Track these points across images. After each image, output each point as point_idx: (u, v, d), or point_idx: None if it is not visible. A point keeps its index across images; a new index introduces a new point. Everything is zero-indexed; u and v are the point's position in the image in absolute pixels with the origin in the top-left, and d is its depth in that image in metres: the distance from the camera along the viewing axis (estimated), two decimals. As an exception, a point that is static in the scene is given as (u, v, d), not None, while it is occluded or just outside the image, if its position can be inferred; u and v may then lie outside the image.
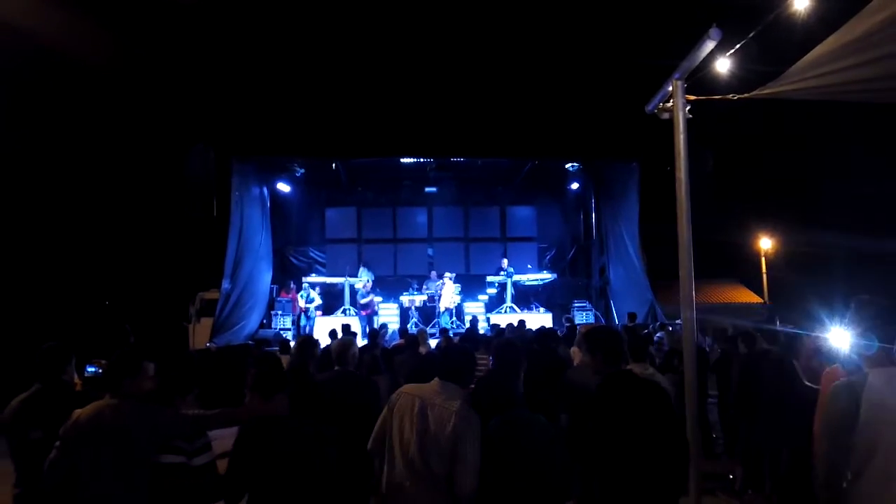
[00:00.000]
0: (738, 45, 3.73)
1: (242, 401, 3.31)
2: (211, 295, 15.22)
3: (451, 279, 15.10)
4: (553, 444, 2.94)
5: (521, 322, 10.58)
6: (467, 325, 12.55)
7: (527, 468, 2.86)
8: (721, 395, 7.41)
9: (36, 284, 19.36)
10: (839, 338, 4.97)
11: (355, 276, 15.89)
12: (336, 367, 4.38)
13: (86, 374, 8.97)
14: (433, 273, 15.95)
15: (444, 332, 10.32)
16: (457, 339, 9.33)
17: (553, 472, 2.90)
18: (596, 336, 3.26)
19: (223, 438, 3.57)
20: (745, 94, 3.54)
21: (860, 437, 2.20)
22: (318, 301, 15.49)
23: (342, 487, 3.40)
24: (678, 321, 7.65)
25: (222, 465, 3.23)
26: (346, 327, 9.77)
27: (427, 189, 18.30)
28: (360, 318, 14.90)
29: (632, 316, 13.00)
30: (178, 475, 3.04)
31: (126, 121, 17.43)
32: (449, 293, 14.92)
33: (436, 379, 3.14)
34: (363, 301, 15.28)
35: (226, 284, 13.73)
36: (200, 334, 14.84)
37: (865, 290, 2.51)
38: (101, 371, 4.07)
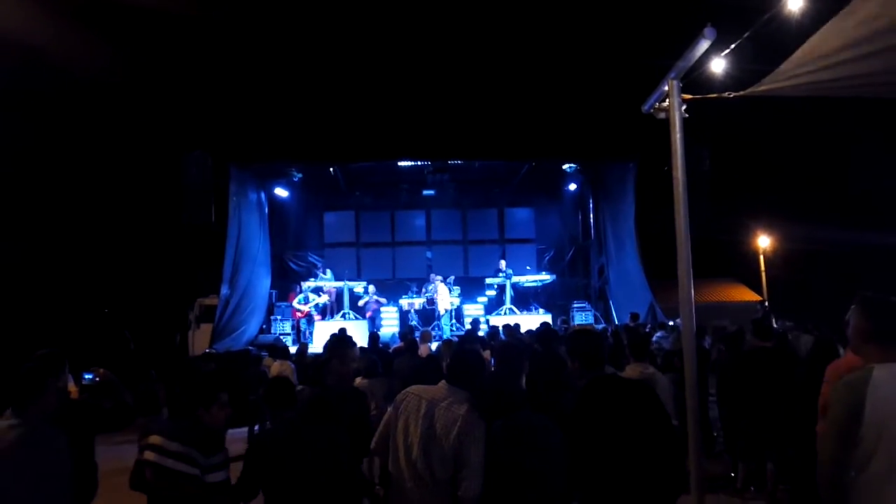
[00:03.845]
0: (733, 45, 3.74)
1: (248, 405, 3.30)
2: (210, 301, 15.22)
3: (441, 281, 15.09)
4: (556, 445, 2.90)
5: (516, 325, 10.27)
6: (468, 327, 12.50)
7: (530, 470, 2.83)
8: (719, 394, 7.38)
9: (35, 291, 19.34)
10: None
11: (354, 280, 15.88)
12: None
13: (83, 382, 8.98)
14: (432, 276, 15.96)
15: (446, 343, 10.19)
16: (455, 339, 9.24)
17: (557, 473, 2.86)
18: (575, 340, 3.17)
19: (232, 444, 3.54)
20: (741, 92, 3.53)
21: (866, 433, 2.20)
22: (321, 299, 15.45)
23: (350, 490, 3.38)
24: (678, 319, 7.62)
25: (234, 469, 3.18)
26: (342, 331, 9.74)
27: (425, 192, 18.30)
28: (367, 321, 14.90)
29: (634, 316, 12.96)
30: (187, 486, 2.88)
31: (124, 128, 17.45)
32: (444, 295, 14.90)
33: (443, 381, 3.11)
34: (360, 303, 15.33)
35: (225, 290, 13.72)
36: (200, 340, 14.83)
37: (864, 287, 2.50)
38: (97, 378, 3.96)
